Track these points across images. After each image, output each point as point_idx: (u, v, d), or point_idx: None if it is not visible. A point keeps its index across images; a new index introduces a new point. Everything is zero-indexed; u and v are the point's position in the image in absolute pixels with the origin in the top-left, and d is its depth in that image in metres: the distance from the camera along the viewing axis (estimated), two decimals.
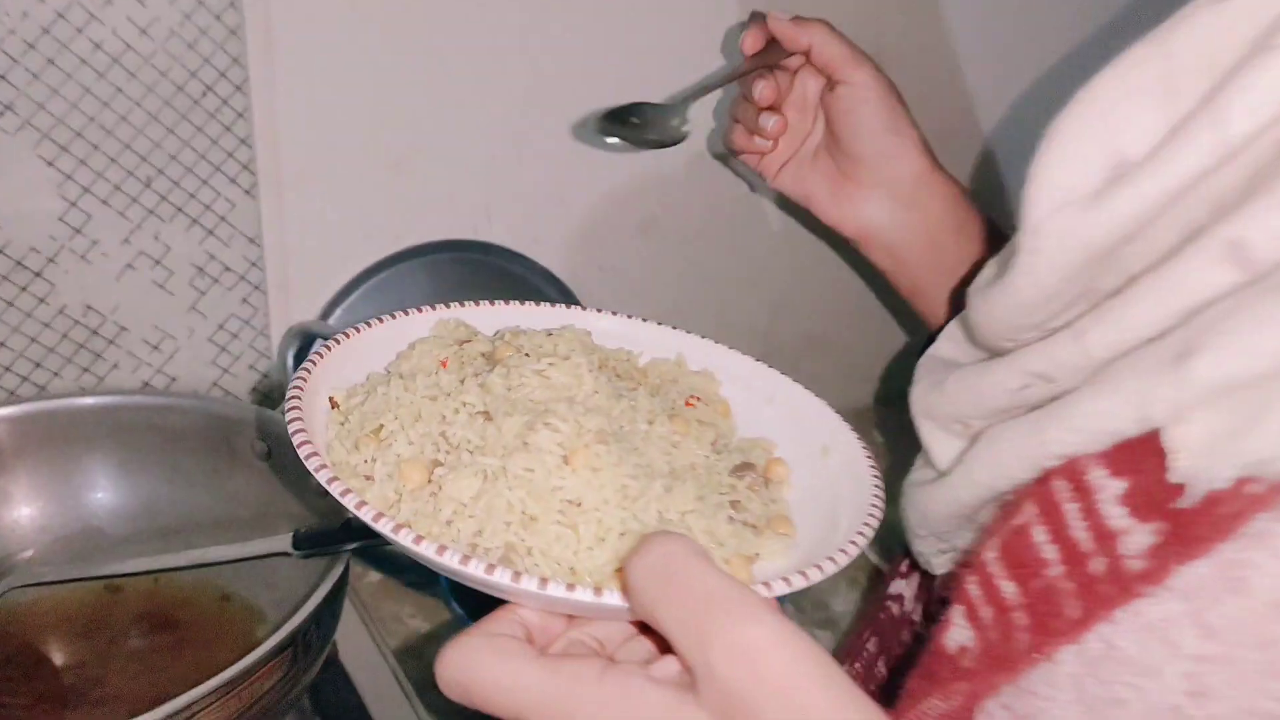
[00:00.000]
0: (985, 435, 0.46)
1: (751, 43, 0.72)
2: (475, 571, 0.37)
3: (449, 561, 0.38)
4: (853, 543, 0.43)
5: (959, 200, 0.71)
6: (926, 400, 0.53)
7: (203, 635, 0.70)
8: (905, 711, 0.43)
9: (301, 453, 0.43)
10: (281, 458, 0.74)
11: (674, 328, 0.60)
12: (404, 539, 0.39)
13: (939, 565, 0.57)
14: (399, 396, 0.47)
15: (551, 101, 0.94)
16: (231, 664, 0.54)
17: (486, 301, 0.58)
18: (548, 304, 0.59)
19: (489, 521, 0.42)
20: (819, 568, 0.41)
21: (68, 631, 0.70)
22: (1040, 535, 0.40)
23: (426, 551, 0.38)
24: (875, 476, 0.49)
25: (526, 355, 0.51)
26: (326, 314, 0.91)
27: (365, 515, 0.40)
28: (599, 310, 0.60)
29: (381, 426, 0.46)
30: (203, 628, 0.71)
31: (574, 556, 0.41)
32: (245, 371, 0.89)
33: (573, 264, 1.01)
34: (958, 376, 0.50)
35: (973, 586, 0.43)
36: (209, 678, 0.53)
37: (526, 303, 0.58)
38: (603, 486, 0.42)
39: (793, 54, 0.73)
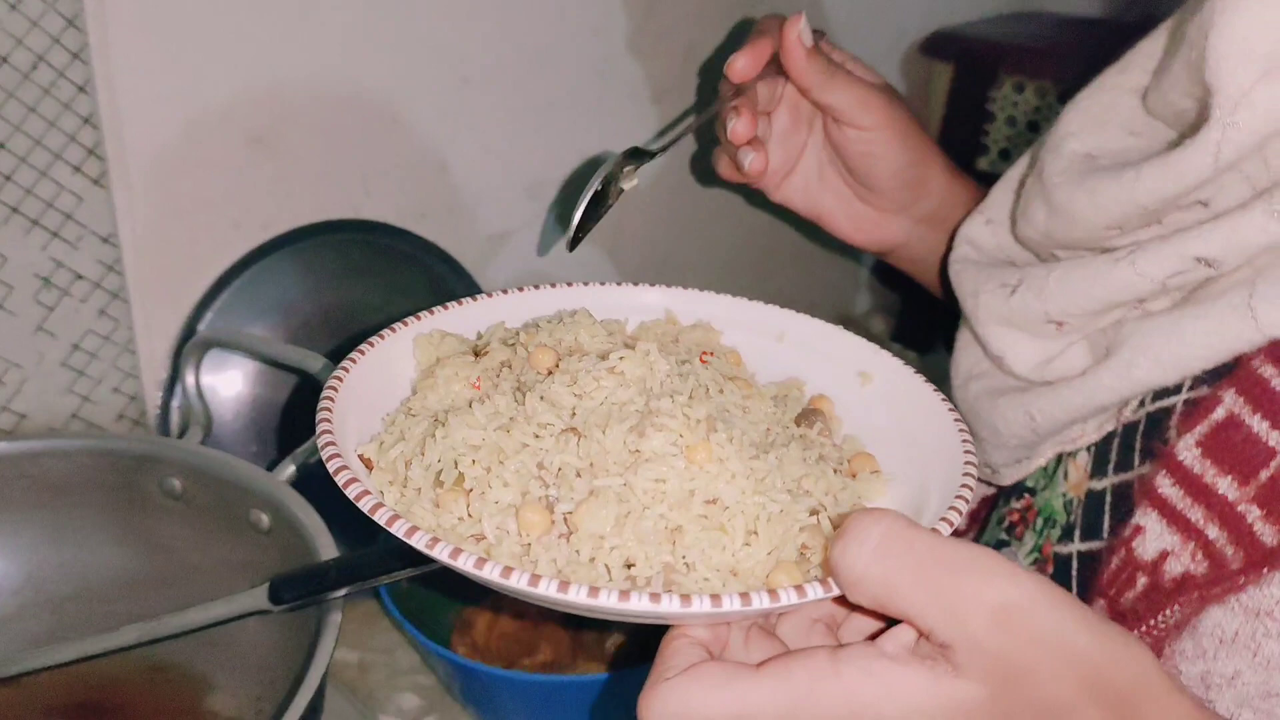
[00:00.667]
0: (1138, 330, 0.45)
1: (743, 68, 0.61)
2: (698, 609, 0.33)
3: (668, 608, 0.33)
4: (968, 464, 0.42)
5: (975, 198, 0.68)
6: (1003, 307, 0.52)
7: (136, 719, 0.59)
8: (1130, 630, 0.42)
9: (416, 541, 0.36)
10: (200, 495, 0.63)
11: (635, 284, 0.57)
12: (591, 598, 0.34)
13: (1008, 476, 0.56)
14: (461, 435, 0.41)
15: (431, 62, 0.84)
16: None
17: (451, 304, 0.53)
18: (497, 291, 0.55)
19: (639, 547, 0.38)
20: (962, 498, 0.40)
21: None
22: (1258, 424, 0.39)
23: (636, 605, 0.33)
24: (934, 391, 0.48)
25: (581, 357, 0.46)
26: (195, 319, 0.79)
27: (548, 589, 0.34)
28: (553, 285, 0.56)
29: (461, 476, 0.40)
30: (135, 712, 0.59)
31: (732, 558, 0.38)
32: (109, 397, 0.75)
33: (461, 235, 0.92)
34: (1062, 275, 0.49)
35: (1168, 488, 0.42)
36: None
37: (482, 295, 0.54)
38: (734, 476, 0.39)
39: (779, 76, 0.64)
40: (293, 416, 0.82)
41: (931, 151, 0.66)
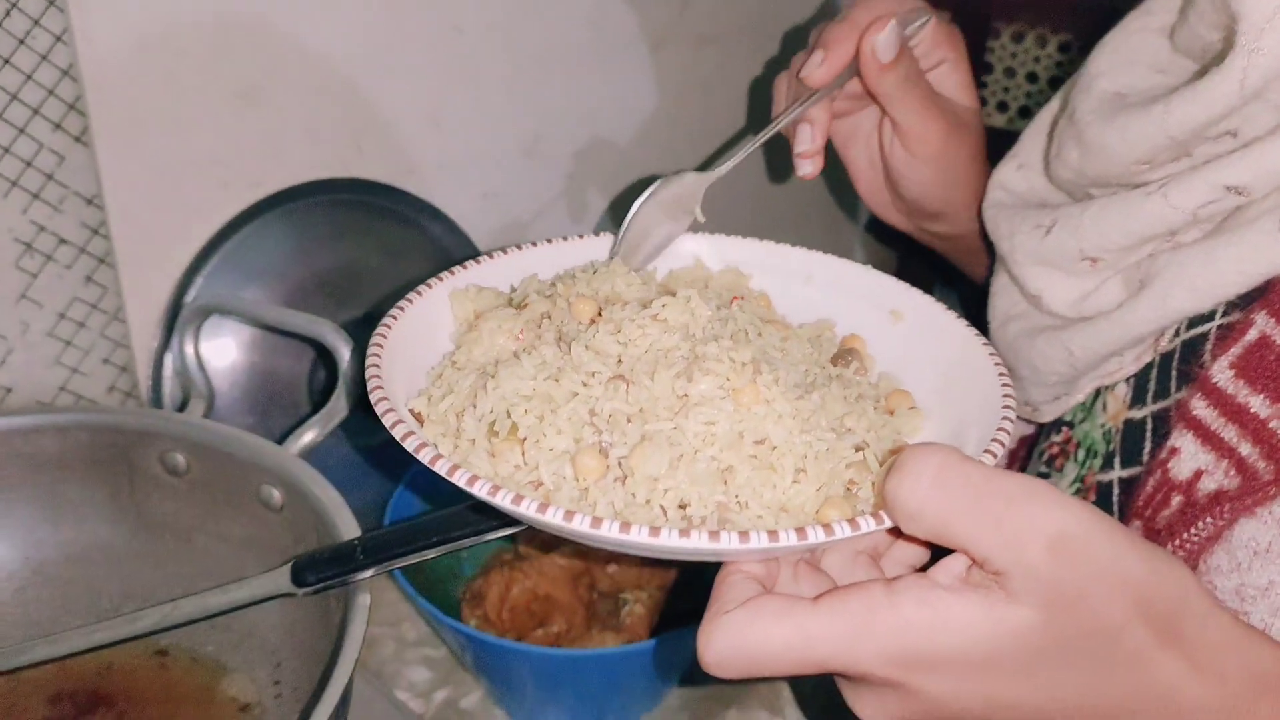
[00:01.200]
0: (1172, 261, 0.47)
1: (822, 77, 0.58)
2: (755, 545, 0.34)
3: (727, 545, 0.34)
4: (1006, 395, 0.43)
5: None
6: (1039, 246, 0.53)
7: (148, 709, 0.56)
8: (1162, 546, 0.43)
9: (477, 490, 0.36)
10: (206, 471, 0.60)
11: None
12: (652, 537, 0.34)
13: (1049, 413, 0.57)
14: (511, 385, 0.41)
15: (421, 8, 0.80)
16: None
17: (483, 257, 0.52)
18: (526, 244, 0.53)
19: (692, 488, 0.38)
20: (1004, 430, 0.40)
21: None
22: None
23: (696, 543, 0.34)
24: (967, 326, 0.48)
25: (625, 304, 0.45)
26: (185, 284, 0.75)
27: (610, 530, 0.34)
28: (581, 237, 0.55)
29: (515, 426, 0.40)
30: (145, 699, 0.57)
31: (782, 496, 0.39)
32: (99, 368, 0.71)
33: (454, 193, 0.89)
34: (1095, 213, 0.50)
35: (1202, 409, 0.44)
36: None
37: (512, 248, 0.53)
38: (781, 417, 0.40)
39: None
40: (292, 387, 0.79)
41: (970, 190, 0.64)
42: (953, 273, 0.79)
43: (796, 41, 1.11)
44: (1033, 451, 0.64)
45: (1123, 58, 0.54)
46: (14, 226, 0.65)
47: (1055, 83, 1.16)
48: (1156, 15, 0.55)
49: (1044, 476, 0.59)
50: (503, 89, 0.89)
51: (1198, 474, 0.45)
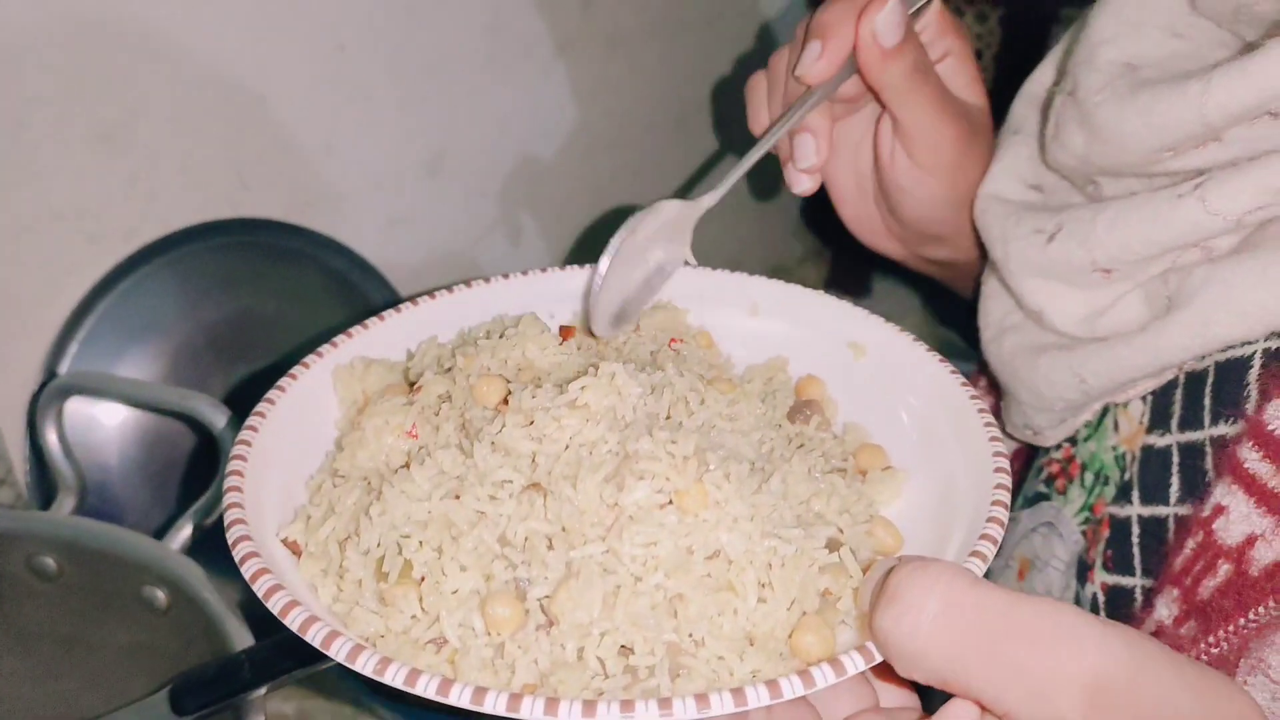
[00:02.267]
0: (1213, 278, 0.39)
1: (821, 72, 0.48)
2: (719, 712, 0.27)
3: (682, 717, 0.27)
4: (998, 459, 0.36)
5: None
6: (1039, 256, 0.45)
7: None
8: (1213, 631, 0.37)
9: (361, 666, 0.29)
10: (79, 573, 0.53)
11: (578, 265, 0.48)
12: (587, 716, 0.27)
13: (1052, 437, 0.50)
14: (401, 510, 0.33)
15: (298, 27, 0.74)
16: None
17: (372, 320, 0.45)
18: (423, 298, 0.46)
19: (635, 630, 0.31)
20: (1001, 505, 0.34)
21: None
22: None
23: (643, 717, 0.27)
24: (941, 361, 0.42)
25: (535, 383, 0.38)
26: (56, 355, 0.68)
27: (533, 711, 0.27)
28: (487, 280, 0.47)
29: (408, 563, 0.32)
30: None
31: (747, 622, 0.32)
32: None
33: (355, 224, 0.83)
34: (1113, 219, 0.42)
35: (1255, 462, 0.37)
36: None
37: (406, 305, 0.46)
38: (736, 520, 0.33)
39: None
40: (192, 450, 0.72)
41: (975, 176, 0.55)
42: (885, 265, 0.71)
43: (712, 42, 1.06)
44: (1029, 465, 0.57)
45: (1129, 20, 0.46)
46: None
47: (999, 61, 1.12)
48: None
49: (1044, 498, 0.52)
50: (397, 107, 0.82)
51: (1251, 540, 0.38)
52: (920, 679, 0.28)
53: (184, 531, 0.53)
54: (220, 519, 0.55)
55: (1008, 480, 0.35)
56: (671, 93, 1.06)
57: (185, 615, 0.50)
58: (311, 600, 0.33)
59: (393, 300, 0.82)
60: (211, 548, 0.53)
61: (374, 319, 0.45)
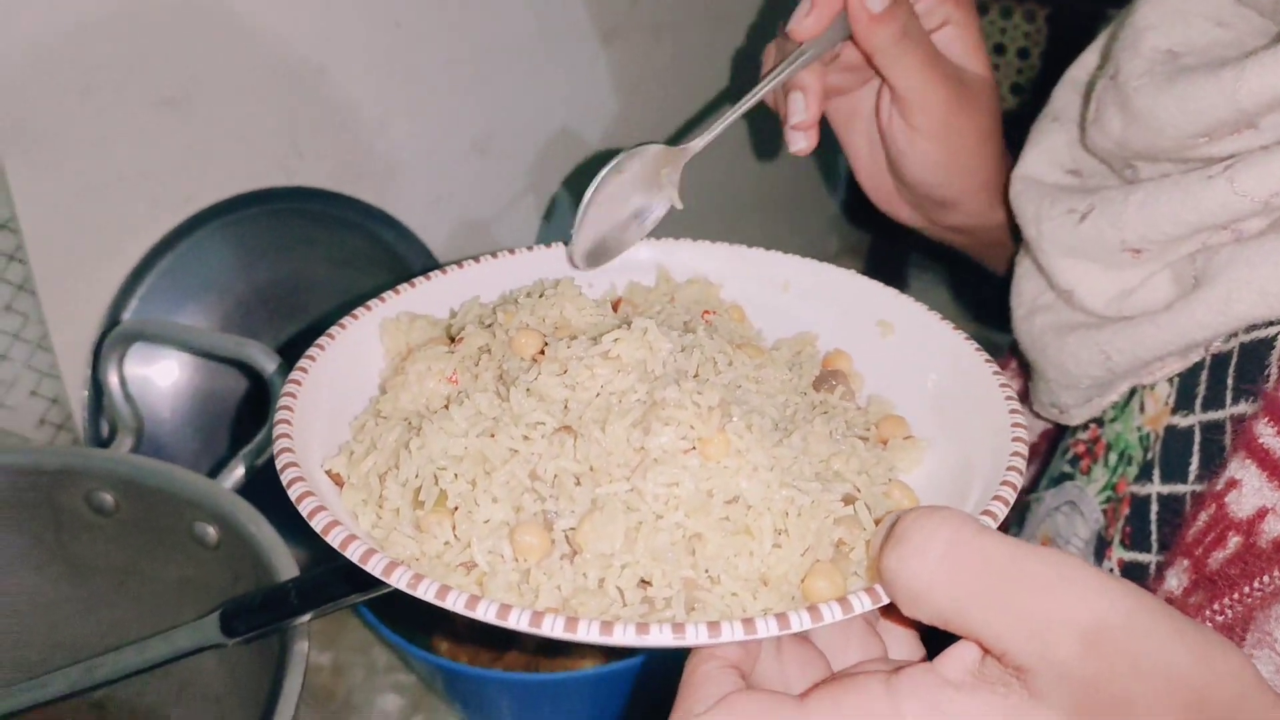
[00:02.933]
0: (1237, 258, 0.40)
1: (810, 27, 0.50)
2: (729, 637, 0.29)
3: (695, 639, 0.29)
4: (1016, 429, 0.37)
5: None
6: (1070, 236, 0.46)
7: None
8: (1219, 599, 0.38)
9: (396, 580, 0.30)
10: (134, 509, 0.56)
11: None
12: (604, 635, 0.29)
13: (1078, 416, 0.51)
14: (439, 444, 0.35)
15: (357, 6, 0.76)
16: None
17: (419, 279, 0.47)
18: (468, 260, 0.48)
19: (654, 564, 0.33)
20: (1009, 484, 0.35)
21: None
22: None
23: (657, 638, 0.29)
24: (966, 339, 0.43)
25: (570, 339, 0.39)
26: (118, 307, 0.71)
27: (553, 628, 0.29)
28: (530, 249, 0.49)
29: (443, 493, 0.34)
30: None
31: (762, 564, 0.33)
32: (25, 401, 0.67)
33: (403, 197, 0.85)
34: (1144, 199, 0.43)
35: (1270, 437, 0.37)
36: None
37: (452, 267, 0.48)
38: (756, 469, 0.34)
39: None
40: (240, 407, 0.75)
41: (983, 173, 0.57)
42: (939, 254, 0.72)
43: (757, 32, 1.07)
44: (1056, 446, 0.58)
45: (1175, 8, 0.47)
46: None
47: (1024, 54, 1.13)
48: None
49: (1068, 478, 0.53)
50: (449, 86, 0.85)
51: (1262, 513, 0.38)
52: (925, 619, 0.29)
53: (236, 472, 0.55)
54: (270, 462, 0.58)
55: (1024, 449, 0.36)
56: (715, 82, 1.07)
57: (234, 551, 0.52)
58: (352, 524, 0.35)
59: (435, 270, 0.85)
60: (261, 489, 0.56)
61: (420, 278, 0.47)
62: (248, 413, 0.75)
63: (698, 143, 0.47)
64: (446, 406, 0.37)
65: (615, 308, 0.45)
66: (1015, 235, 0.55)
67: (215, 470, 0.57)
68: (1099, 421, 0.52)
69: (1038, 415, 0.55)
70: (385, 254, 0.83)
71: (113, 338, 0.61)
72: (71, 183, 0.66)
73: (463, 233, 0.90)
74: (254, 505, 0.53)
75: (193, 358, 0.73)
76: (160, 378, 0.73)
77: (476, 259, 0.49)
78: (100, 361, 0.60)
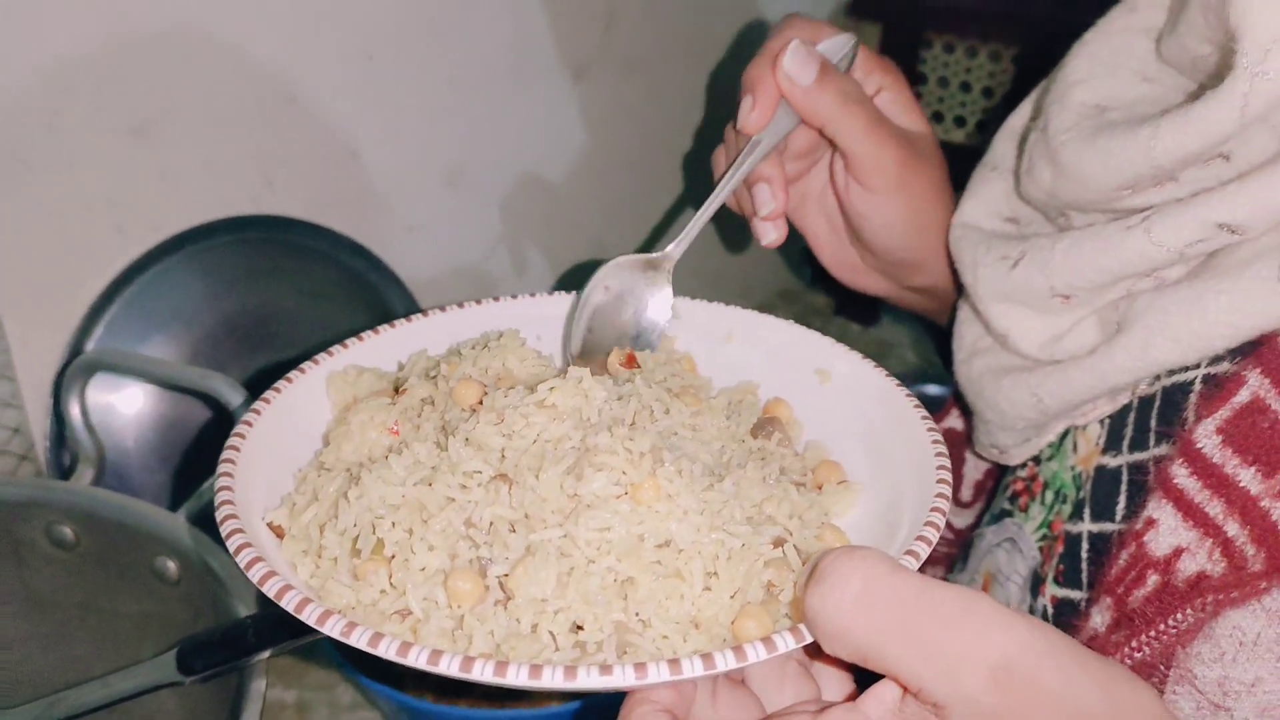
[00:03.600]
0: (1153, 306, 0.41)
1: (757, 121, 0.52)
2: (655, 678, 0.30)
3: (622, 681, 0.29)
4: (941, 472, 0.39)
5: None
6: (1004, 282, 0.48)
7: None
8: (1136, 635, 0.39)
9: (330, 629, 0.31)
10: (94, 542, 0.55)
11: (564, 292, 0.51)
12: (533, 679, 0.29)
13: (1017, 456, 0.52)
14: (377, 493, 0.36)
15: (330, 34, 0.77)
16: None
17: (367, 333, 0.48)
18: (417, 314, 0.49)
19: (586, 608, 0.33)
20: (933, 524, 0.36)
21: None
22: None
23: (585, 681, 0.29)
24: (898, 386, 0.44)
25: (509, 389, 0.41)
26: (83, 336, 0.71)
27: (483, 673, 0.29)
28: (478, 302, 0.50)
29: (380, 542, 0.35)
30: None
31: (692, 607, 0.34)
32: None
33: (375, 227, 0.85)
34: (1068, 247, 0.45)
35: (1184, 478, 0.39)
36: None
37: (401, 320, 0.49)
38: (686, 513, 0.35)
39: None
40: (205, 435, 0.74)
41: (943, 227, 0.58)
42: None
43: (730, 66, 1.09)
44: (999, 483, 0.59)
45: (1103, 62, 0.49)
46: None
47: (989, 93, 1.15)
48: (1141, 13, 0.50)
49: (1008, 515, 0.54)
50: (421, 118, 0.85)
51: (1177, 552, 0.40)
52: (845, 657, 0.30)
53: (195, 506, 0.55)
54: None
55: (948, 491, 0.38)
56: (686, 117, 1.08)
57: (195, 586, 0.52)
58: (290, 575, 0.35)
59: (407, 300, 0.85)
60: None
61: (369, 332, 0.48)
62: (212, 442, 0.75)
63: (675, 250, 0.49)
64: (386, 458, 0.38)
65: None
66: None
67: (177, 503, 0.57)
68: (1036, 459, 0.53)
69: (978, 455, 0.56)
70: (356, 284, 0.84)
71: (74, 368, 0.61)
72: (37, 211, 0.66)
73: (433, 263, 0.90)
74: (215, 537, 0.53)
75: (154, 387, 0.73)
76: (124, 405, 0.72)
77: (425, 312, 0.50)
78: (62, 392, 0.60)
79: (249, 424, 0.40)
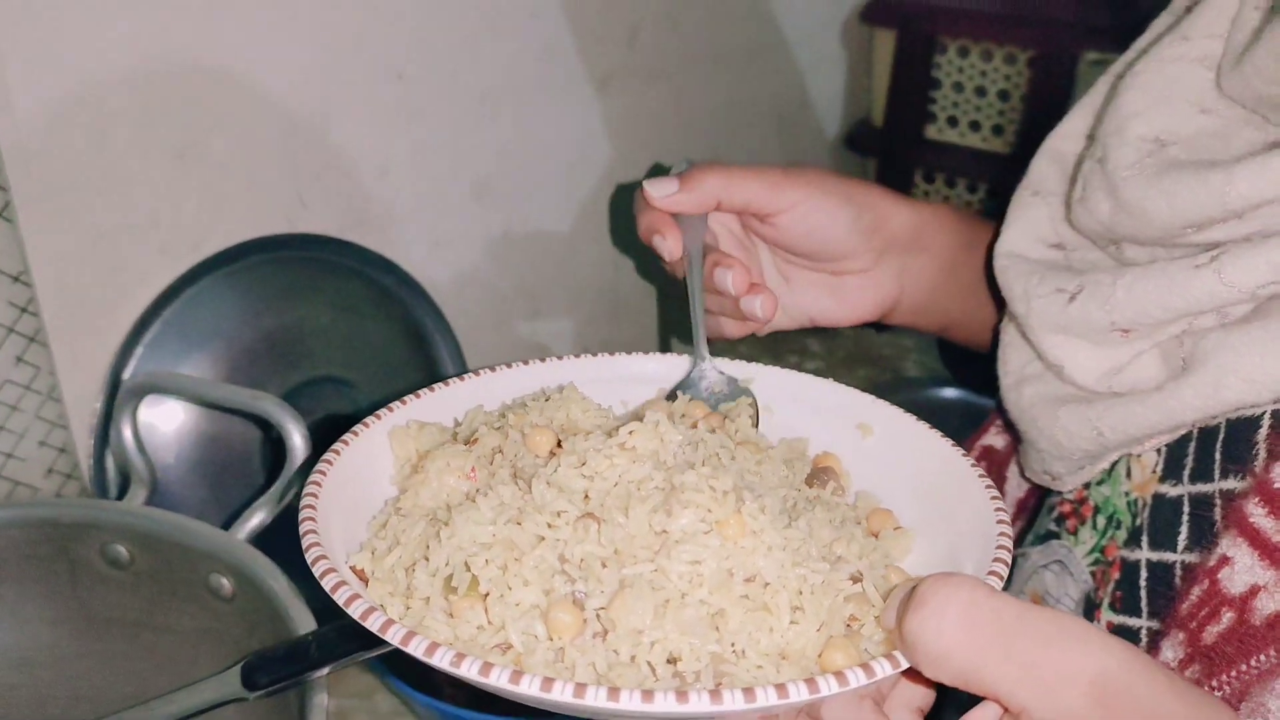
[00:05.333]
0: (1224, 345, 0.42)
1: (673, 248, 0.57)
2: (764, 702, 0.30)
3: (736, 705, 0.30)
4: (1000, 514, 0.40)
5: (950, 214, 0.64)
6: (1060, 315, 0.48)
7: None
8: (1216, 675, 0.40)
9: (438, 660, 0.32)
10: (149, 561, 0.56)
11: (624, 353, 0.54)
12: (645, 703, 0.30)
13: (1070, 482, 0.53)
14: (468, 533, 0.37)
15: (360, 56, 0.78)
16: None
17: (424, 390, 0.50)
18: (468, 374, 0.51)
19: (683, 639, 0.34)
20: (1005, 550, 0.38)
21: None
22: None
23: (699, 707, 0.30)
24: (942, 437, 0.46)
25: (586, 434, 0.42)
26: (124, 356, 0.72)
27: (596, 698, 0.30)
28: (525, 363, 0.52)
29: (475, 580, 0.36)
30: None
31: (781, 640, 0.35)
32: (35, 451, 0.68)
33: (403, 241, 0.87)
34: (1131, 283, 0.45)
35: (1260, 517, 0.39)
36: None
37: (454, 379, 0.51)
38: (770, 549, 0.37)
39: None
40: (246, 454, 0.76)
41: (870, 192, 0.60)
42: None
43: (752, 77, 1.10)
44: (1042, 502, 0.60)
45: (1157, 94, 0.49)
46: None
47: (1005, 95, 1.16)
48: (1195, 43, 0.49)
49: (1054, 537, 0.55)
50: (449, 133, 0.86)
51: (1254, 590, 0.40)
52: (946, 679, 0.31)
53: (250, 523, 0.56)
54: (282, 514, 0.58)
55: (1010, 530, 0.39)
56: (711, 124, 1.10)
57: (250, 603, 0.53)
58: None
59: (434, 314, 0.86)
60: (273, 540, 0.57)
61: (425, 390, 0.49)
62: (255, 458, 0.76)
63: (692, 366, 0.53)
64: (469, 499, 0.39)
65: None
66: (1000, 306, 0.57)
67: (228, 522, 0.58)
68: (1085, 484, 0.54)
69: (1026, 479, 0.57)
70: (388, 300, 0.85)
71: (126, 390, 0.62)
72: (83, 233, 0.67)
73: (461, 277, 0.91)
74: (271, 557, 0.54)
75: (199, 407, 0.74)
76: (164, 423, 0.73)
77: (477, 372, 0.51)
78: (115, 414, 0.61)
79: (321, 475, 0.41)
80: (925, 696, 0.36)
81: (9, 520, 0.56)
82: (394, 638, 0.32)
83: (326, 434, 0.46)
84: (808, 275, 0.62)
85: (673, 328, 1.09)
